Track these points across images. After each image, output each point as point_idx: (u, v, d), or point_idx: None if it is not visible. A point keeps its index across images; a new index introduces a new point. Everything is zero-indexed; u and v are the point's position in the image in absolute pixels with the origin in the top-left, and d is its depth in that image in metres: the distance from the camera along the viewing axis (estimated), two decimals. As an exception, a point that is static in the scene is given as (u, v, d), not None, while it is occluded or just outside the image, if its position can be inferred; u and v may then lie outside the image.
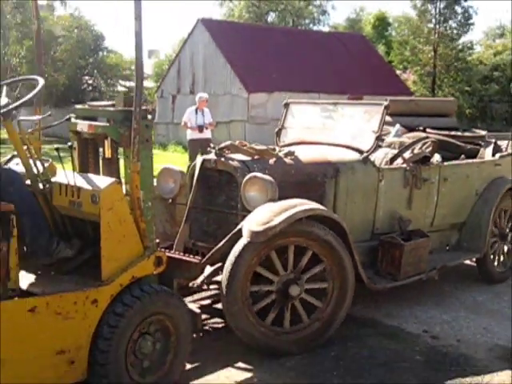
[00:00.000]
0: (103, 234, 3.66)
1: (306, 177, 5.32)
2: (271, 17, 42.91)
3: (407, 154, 6.17)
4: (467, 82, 36.32)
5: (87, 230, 3.95)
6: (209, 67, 26.26)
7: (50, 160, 3.97)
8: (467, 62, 37.11)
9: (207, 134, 13.25)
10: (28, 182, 3.80)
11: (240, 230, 4.63)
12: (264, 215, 4.56)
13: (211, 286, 5.01)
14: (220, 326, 5.30)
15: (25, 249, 3.72)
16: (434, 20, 36.32)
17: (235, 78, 25.14)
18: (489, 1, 54.70)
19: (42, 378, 3.46)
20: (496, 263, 7.14)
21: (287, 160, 5.35)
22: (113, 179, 3.82)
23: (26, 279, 3.66)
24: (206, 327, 5.19)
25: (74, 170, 3.98)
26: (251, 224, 4.52)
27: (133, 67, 36.55)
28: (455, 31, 36.74)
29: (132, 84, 36.55)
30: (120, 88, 34.12)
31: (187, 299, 4.59)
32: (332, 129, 6.23)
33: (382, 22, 46.30)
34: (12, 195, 3.52)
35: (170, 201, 5.52)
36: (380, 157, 6.12)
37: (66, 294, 3.52)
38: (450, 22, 36.46)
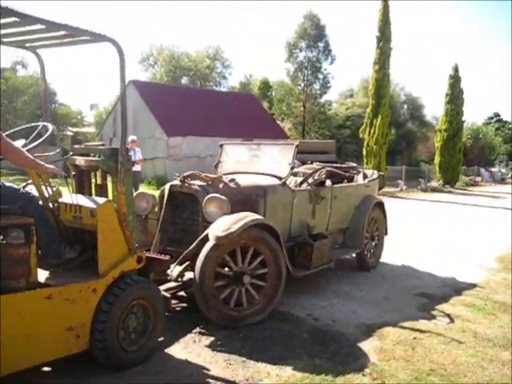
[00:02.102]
0: (99, 240, 3.71)
1: (244, 196, 5.42)
2: (184, 80, 42.90)
3: (310, 180, 6.36)
4: (327, 128, 37.65)
5: (85, 237, 3.94)
6: (137, 117, 25.88)
7: (57, 186, 3.93)
8: (327, 114, 38.57)
9: (138, 168, 12.97)
10: (40, 202, 3.76)
11: (206, 236, 4.72)
12: (224, 224, 4.68)
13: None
14: (181, 308, 5.33)
15: (40, 252, 3.68)
16: (302, 84, 37.38)
17: (157, 125, 24.97)
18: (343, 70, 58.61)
19: (56, 348, 3.49)
20: (368, 256, 7.48)
21: (231, 184, 5.46)
22: (106, 199, 3.88)
23: (42, 275, 3.61)
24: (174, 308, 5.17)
25: (75, 193, 4.03)
26: (215, 231, 4.63)
27: (79, 117, 35.88)
28: (318, 92, 38.02)
29: (77, 129, 35.73)
30: (68, 132, 33.30)
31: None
32: (257, 162, 6.37)
33: (265, 85, 47.16)
34: (31, 212, 3.49)
35: (144, 217, 5.54)
36: (292, 181, 6.29)
37: (74, 284, 3.54)
38: (314, 85, 37.69)
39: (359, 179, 7.83)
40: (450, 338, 4.93)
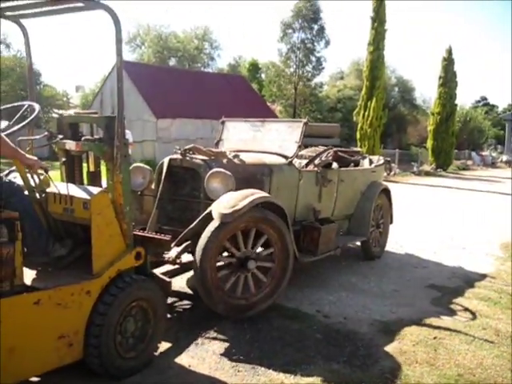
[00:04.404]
0: (94, 235, 3.28)
1: (249, 174, 5.06)
2: (172, 61, 42.19)
3: (317, 161, 6.03)
4: (319, 111, 37.13)
5: (77, 231, 3.53)
6: (125, 98, 25.00)
7: (44, 174, 3.47)
8: (318, 97, 38.05)
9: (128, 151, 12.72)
10: (26, 192, 3.33)
11: (208, 214, 4.34)
12: (229, 201, 4.30)
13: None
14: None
15: (25, 249, 3.27)
16: (294, 66, 36.70)
17: (146, 107, 24.41)
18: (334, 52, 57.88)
19: (46, 360, 3.06)
20: (374, 245, 7.14)
21: (236, 161, 5.11)
22: (101, 189, 3.44)
23: (28, 276, 3.17)
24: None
25: (65, 181, 3.58)
26: (220, 208, 4.24)
27: (64, 98, 34.99)
28: (310, 74, 37.38)
29: (63, 112, 34.92)
30: (54, 115, 32.56)
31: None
32: (261, 140, 6.00)
33: (254, 67, 46.64)
34: (15, 204, 3.09)
35: (139, 193, 5.18)
36: (297, 163, 5.92)
37: (65, 287, 3.11)
38: (307, 67, 37.11)
39: (365, 164, 7.47)
40: (471, 336, 4.57)
